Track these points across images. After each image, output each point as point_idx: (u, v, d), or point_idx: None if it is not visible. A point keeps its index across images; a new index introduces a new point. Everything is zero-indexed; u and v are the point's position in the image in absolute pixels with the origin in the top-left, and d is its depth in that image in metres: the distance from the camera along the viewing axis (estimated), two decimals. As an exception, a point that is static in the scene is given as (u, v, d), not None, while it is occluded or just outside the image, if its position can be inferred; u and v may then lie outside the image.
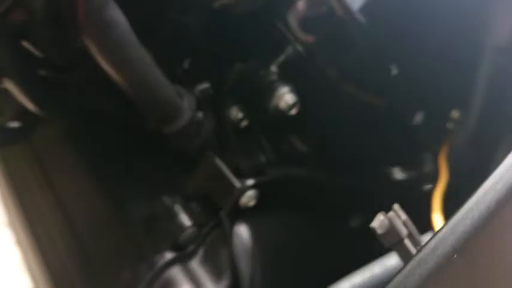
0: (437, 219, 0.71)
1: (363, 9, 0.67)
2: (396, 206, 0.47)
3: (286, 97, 0.73)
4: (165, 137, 0.67)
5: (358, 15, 0.68)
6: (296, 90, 0.75)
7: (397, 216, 0.46)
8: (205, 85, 0.71)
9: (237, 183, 0.66)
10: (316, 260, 0.74)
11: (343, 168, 0.91)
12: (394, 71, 0.72)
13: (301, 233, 0.77)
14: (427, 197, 0.79)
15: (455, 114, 0.83)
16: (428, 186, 0.86)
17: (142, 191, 0.74)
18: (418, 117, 0.78)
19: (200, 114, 0.69)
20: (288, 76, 0.75)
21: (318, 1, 0.70)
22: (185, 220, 0.67)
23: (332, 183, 0.80)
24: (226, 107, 0.78)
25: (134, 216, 0.71)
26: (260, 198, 0.69)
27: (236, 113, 0.79)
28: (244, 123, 0.81)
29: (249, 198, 0.67)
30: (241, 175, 0.69)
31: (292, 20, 0.71)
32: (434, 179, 0.81)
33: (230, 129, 0.77)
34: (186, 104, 0.65)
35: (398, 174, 0.98)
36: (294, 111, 0.74)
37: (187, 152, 0.71)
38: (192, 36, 0.70)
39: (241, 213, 0.68)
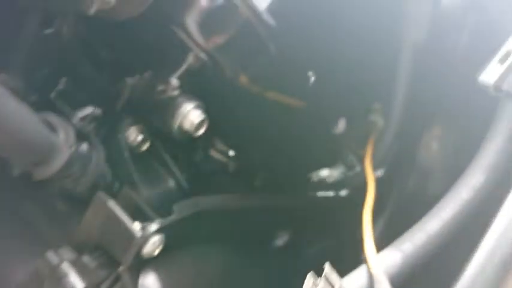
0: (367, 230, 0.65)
1: (272, 10, 0.57)
2: (328, 269, 0.38)
3: (191, 116, 0.62)
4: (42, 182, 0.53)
5: (266, 16, 0.58)
6: (205, 103, 0.65)
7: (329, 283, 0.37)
8: (88, 109, 0.58)
9: (137, 231, 0.54)
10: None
11: (266, 179, 0.83)
12: (312, 77, 0.63)
13: (222, 266, 0.67)
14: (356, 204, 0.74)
15: (377, 106, 0.79)
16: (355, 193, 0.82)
17: (21, 245, 0.60)
18: (341, 124, 0.70)
19: (84, 147, 0.56)
20: (192, 88, 0.64)
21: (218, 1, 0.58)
22: (76, 281, 0.54)
23: (252, 204, 0.70)
24: (121, 131, 0.66)
25: (10, 282, 0.57)
26: (169, 239, 0.58)
27: (135, 136, 0.67)
28: (146, 145, 0.68)
29: (153, 246, 0.55)
30: (143, 217, 0.57)
31: (191, 24, 0.59)
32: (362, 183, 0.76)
33: (127, 158, 0.65)
34: (62, 140, 0.52)
35: (323, 181, 0.93)
36: (201, 131, 0.63)
37: (75, 195, 0.58)
38: (64, 50, 0.56)
39: (146, 263, 0.57)
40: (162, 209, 0.66)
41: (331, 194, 0.91)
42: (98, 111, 0.58)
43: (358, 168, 0.91)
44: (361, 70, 0.70)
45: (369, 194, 0.69)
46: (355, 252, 0.73)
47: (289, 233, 0.81)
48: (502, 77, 0.34)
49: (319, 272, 0.38)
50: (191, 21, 0.59)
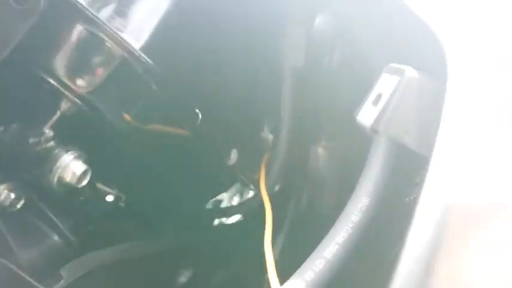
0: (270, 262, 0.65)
1: (149, 49, 0.55)
2: None
3: (71, 168, 0.57)
4: None
5: (142, 54, 0.55)
6: (85, 148, 0.60)
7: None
8: None
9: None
10: None
11: (160, 214, 0.80)
12: (199, 114, 0.62)
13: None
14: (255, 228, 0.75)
15: (266, 134, 0.81)
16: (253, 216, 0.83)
17: None
18: (233, 154, 0.70)
19: None
20: (70, 135, 0.59)
21: (88, 38, 0.54)
22: None
23: (148, 251, 0.67)
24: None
25: None
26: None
27: (6, 195, 0.59)
28: (20, 203, 0.61)
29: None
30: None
31: (58, 67, 0.54)
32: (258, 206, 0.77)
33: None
34: None
35: (218, 207, 0.92)
36: (84, 181, 0.58)
37: None
38: None
39: None
40: (49, 270, 0.60)
41: (228, 220, 0.91)
42: None
43: (252, 192, 0.93)
44: (246, 101, 0.71)
45: (268, 222, 0.69)
46: (259, 279, 0.74)
47: (191, 269, 0.78)
48: (378, 120, 0.36)
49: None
50: (58, 64, 0.54)
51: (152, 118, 0.64)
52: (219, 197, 0.95)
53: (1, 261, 0.52)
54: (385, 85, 0.39)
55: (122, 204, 0.76)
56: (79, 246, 0.65)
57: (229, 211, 0.90)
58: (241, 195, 1.02)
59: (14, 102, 0.57)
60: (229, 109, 0.67)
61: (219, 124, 0.66)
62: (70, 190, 0.59)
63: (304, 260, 0.46)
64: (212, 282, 0.80)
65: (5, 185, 0.59)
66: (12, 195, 0.60)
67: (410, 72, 0.38)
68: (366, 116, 0.39)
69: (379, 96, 0.39)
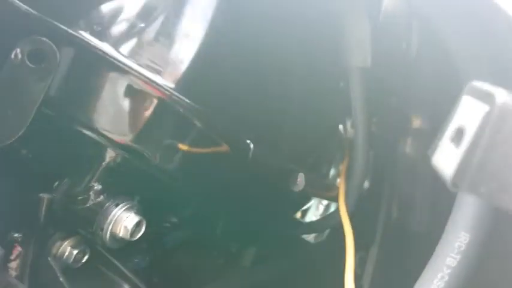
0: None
1: (187, 86, 0.49)
2: None
3: (123, 222, 0.53)
4: None
5: (177, 95, 0.49)
6: (138, 193, 0.56)
7: None
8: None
9: None
10: None
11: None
12: (251, 145, 0.54)
13: None
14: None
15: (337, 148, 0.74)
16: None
17: None
18: (300, 179, 0.62)
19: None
20: (119, 185, 0.55)
21: (119, 86, 0.49)
22: None
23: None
24: (49, 252, 0.56)
25: None
26: None
27: (69, 251, 0.58)
28: (85, 257, 0.59)
29: None
30: None
31: (99, 121, 0.50)
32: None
33: (63, 282, 0.55)
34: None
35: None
36: (139, 234, 0.54)
37: None
38: None
39: None
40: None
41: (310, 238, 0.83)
42: (2, 250, 0.49)
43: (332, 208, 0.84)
44: (309, 113, 0.63)
45: (349, 251, 0.61)
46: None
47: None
48: (461, 172, 0.26)
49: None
50: (93, 116, 0.50)
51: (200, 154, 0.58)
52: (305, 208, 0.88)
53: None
54: (467, 116, 0.28)
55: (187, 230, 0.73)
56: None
57: (309, 228, 0.82)
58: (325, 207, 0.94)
59: (59, 159, 0.54)
60: (289, 129, 0.59)
61: (278, 150, 0.58)
62: (126, 245, 0.55)
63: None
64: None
65: (68, 241, 0.57)
66: (75, 251, 0.58)
67: (502, 97, 0.26)
68: (444, 159, 0.29)
69: (460, 132, 0.28)
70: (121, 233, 0.53)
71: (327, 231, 0.87)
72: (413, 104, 0.70)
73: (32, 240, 0.54)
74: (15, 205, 0.54)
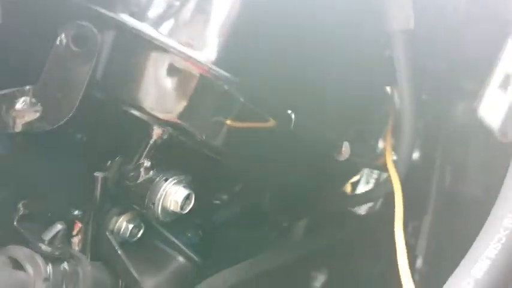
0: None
1: (226, 60, 0.50)
2: None
3: (173, 196, 0.55)
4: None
5: (217, 69, 0.50)
6: (187, 169, 0.58)
7: None
8: (55, 228, 0.52)
9: None
10: None
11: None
12: (293, 115, 0.54)
13: None
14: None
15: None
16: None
17: None
18: (345, 147, 0.61)
19: (64, 271, 0.50)
20: (168, 161, 0.57)
21: (161, 65, 0.51)
22: None
23: (279, 261, 0.63)
24: (107, 227, 0.60)
25: None
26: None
27: (125, 226, 0.61)
28: (140, 231, 0.62)
29: None
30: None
31: (144, 99, 0.52)
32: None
33: (122, 255, 0.59)
34: (32, 275, 0.46)
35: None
36: (189, 207, 0.56)
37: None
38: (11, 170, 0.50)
39: None
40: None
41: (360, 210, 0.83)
42: (65, 226, 0.52)
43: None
44: (350, 81, 0.62)
45: (398, 205, 0.60)
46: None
47: (326, 272, 0.73)
48: (509, 119, 0.25)
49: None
50: (139, 96, 0.52)
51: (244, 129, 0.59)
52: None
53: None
54: None
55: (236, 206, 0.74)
56: (204, 267, 0.64)
57: (359, 200, 0.82)
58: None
59: (111, 140, 0.57)
60: (331, 99, 0.58)
61: (320, 120, 0.57)
62: (177, 218, 0.57)
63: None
64: (347, 284, 0.73)
65: (124, 216, 0.61)
66: (131, 226, 0.61)
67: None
68: (492, 108, 0.27)
69: (507, 78, 0.27)
70: (171, 206, 0.55)
71: (379, 202, 0.86)
72: (463, 67, 0.67)
73: (90, 217, 0.58)
74: (73, 184, 0.58)
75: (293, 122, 0.54)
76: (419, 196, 0.73)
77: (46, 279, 0.47)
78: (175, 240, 0.65)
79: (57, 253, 0.50)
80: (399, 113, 0.65)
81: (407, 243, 0.77)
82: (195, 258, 0.65)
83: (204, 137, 0.55)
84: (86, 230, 0.58)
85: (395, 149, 0.70)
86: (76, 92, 0.46)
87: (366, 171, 0.94)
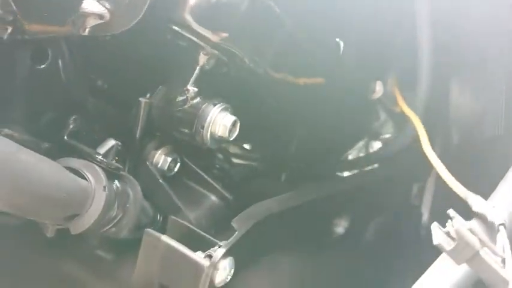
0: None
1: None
2: (452, 212, 0.37)
3: (222, 120, 0.55)
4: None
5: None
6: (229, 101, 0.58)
7: (461, 225, 0.32)
8: (109, 142, 0.51)
9: (204, 261, 0.47)
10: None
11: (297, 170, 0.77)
12: (341, 43, 0.56)
13: (296, 274, 0.60)
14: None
15: None
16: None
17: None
18: (378, 86, 0.64)
19: (118, 185, 0.49)
20: (213, 90, 0.57)
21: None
22: None
23: (306, 199, 0.63)
24: (148, 157, 0.59)
25: None
26: (238, 259, 0.51)
27: (163, 159, 0.60)
28: (177, 166, 0.62)
29: (225, 272, 0.48)
30: (201, 243, 0.50)
31: (193, 19, 0.52)
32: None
33: (164, 184, 0.58)
34: (93, 183, 0.45)
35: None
36: (236, 133, 0.56)
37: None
38: (64, 85, 0.49)
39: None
40: (212, 228, 0.60)
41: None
42: (119, 142, 0.51)
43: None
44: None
45: (420, 132, 0.61)
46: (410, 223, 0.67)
47: (347, 219, 0.74)
48: None
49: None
50: (192, 16, 0.52)
51: (292, 59, 0.60)
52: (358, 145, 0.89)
53: (174, 219, 0.52)
54: None
55: (257, 162, 0.75)
56: (235, 204, 0.64)
57: (375, 157, 0.84)
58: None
59: (157, 65, 0.56)
60: (371, 38, 0.61)
61: (362, 54, 0.59)
62: (222, 147, 0.57)
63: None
64: (365, 235, 0.75)
65: (162, 149, 0.60)
66: (169, 159, 0.60)
67: None
68: None
69: None
70: (220, 131, 0.55)
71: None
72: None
73: (130, 147, 0.57)
74: (115, 117, 0.57)
75: (341, 49, 0.55)
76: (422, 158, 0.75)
77: (105, 189, 0.46)
78: (209, 178, 0.65)
79: (112, 167, 0.49)
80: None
81: (412, 204, 0.80)
82: (228, 196, 0.65)
83: (248, 62, 0.55)
84: (124, 158, 0.57)
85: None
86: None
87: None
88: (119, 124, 0.56)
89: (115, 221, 0.49)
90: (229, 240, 0.49)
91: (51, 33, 0.43)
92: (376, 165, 0.83)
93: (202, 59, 0.56)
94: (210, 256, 0.48)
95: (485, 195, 0.42)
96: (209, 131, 0.55)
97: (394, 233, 0.77)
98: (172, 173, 0.61)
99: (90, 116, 0.52)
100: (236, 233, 0.50)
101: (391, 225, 0.79)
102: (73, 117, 0.50)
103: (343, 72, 0.57)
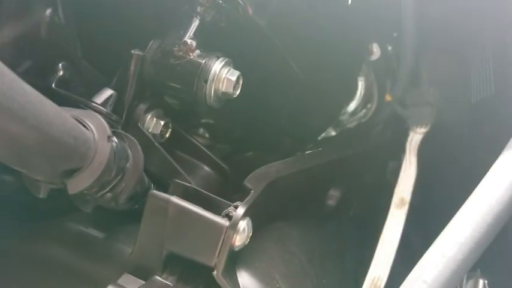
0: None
1: None
2: None
3: (226, 75, 0.50)
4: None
5: None
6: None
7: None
8: (106, 91, 0.44)
9: (223, 221, 0.42)
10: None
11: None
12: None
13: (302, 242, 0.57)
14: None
15: None
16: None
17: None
18: (376, 48, 0.62)
19: (116, 142, 0.42)
20: (213, 44, 0.52)
21: None
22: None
23: (313, 163, 0.60)
24: (140, 119, 0.53)
25: None
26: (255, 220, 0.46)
27: (154, 123, 0.54)
28: (168, 132, 0.56)
29: (244, 234, 0.43)
30: (213, 207, 0.44)
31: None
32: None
33: (159, 147, 0.52)
34: (96, 134, 0.38)
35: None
36: (238, 89, 0.52)
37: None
38: (52, 30, 0.42)
39: (239, 256, 0.45)
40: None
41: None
42: (116, 93, 0.45)
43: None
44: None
45: None
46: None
47: (339, 191, 0.71)
48: None
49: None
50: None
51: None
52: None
53: (177, 182, 0.46)
54: None
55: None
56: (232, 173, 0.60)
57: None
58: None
59: (153, 16, 0.51)
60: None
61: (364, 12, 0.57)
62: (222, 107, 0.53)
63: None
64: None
65: (153, 112, 0.54)
66: (162, 122, 0.54)
67: None
68: None
69: None
70: (224, 86, 0.50)
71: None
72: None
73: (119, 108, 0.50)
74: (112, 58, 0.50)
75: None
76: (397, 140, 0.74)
77: (110, 138, 0.39)
78: (202, 147, 0.60)
79: (113, 118, 0.42)
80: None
81: (387, 182, 0.77)
82: (224, 166, 0.60)
83: (251, 12, 0.52)
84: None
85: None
86: None
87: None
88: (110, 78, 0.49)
89: (113, 183, 0.42)
90: (246, 199, 0.44)
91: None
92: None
93: (201, 9, 0.51)
94: (228, 216, 0.43)
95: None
96: (213, 86, 0.50)
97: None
98: (164, 139, 0.55)
99: (80, 65, 0.45)
100: (252, 192, 0.46)
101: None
102: (61, 63, 0.43)
103: (347, 25, 0.55)
